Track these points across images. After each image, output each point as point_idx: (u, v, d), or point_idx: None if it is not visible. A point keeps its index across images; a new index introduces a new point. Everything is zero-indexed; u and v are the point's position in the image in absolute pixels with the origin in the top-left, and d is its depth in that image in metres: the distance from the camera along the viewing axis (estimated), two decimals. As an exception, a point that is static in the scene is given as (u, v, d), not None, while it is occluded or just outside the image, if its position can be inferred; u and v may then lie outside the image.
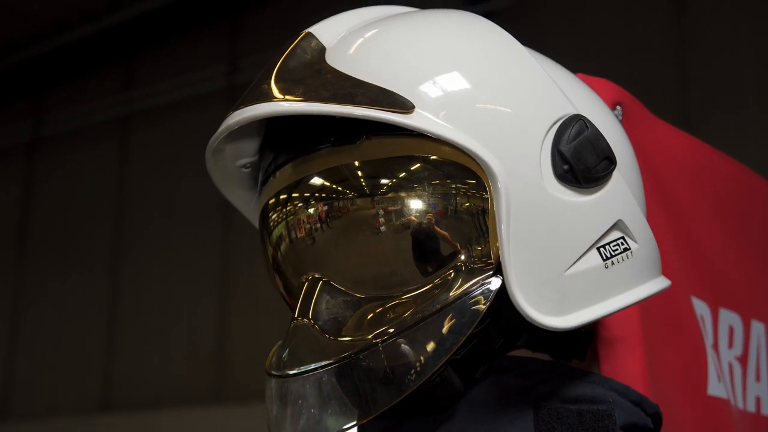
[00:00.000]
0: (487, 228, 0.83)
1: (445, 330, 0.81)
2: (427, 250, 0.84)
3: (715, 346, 1.29)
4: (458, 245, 0.83)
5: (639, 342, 1.09)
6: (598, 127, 0.87)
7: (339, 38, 0.90)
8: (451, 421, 0.85)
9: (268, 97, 0.83)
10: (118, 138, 6.66)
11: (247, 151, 0.93)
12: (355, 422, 0.82)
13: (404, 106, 0.81)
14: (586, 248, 0.85)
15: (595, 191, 0.86)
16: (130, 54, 6.76)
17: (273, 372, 0.86)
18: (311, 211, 0.86)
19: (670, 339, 1.19)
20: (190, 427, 5.67)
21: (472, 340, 0.84)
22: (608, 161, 0.86)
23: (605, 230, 0.86)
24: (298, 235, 0.88)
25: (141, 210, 6.37)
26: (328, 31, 0.91)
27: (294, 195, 0.88)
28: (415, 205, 0.84)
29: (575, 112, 0.86)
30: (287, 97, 0.83)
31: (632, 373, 1.07)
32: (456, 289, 0.82)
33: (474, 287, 0.82)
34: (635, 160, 0.96)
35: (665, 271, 1.16)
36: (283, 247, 0.89)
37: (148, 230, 6.28)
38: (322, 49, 0.88)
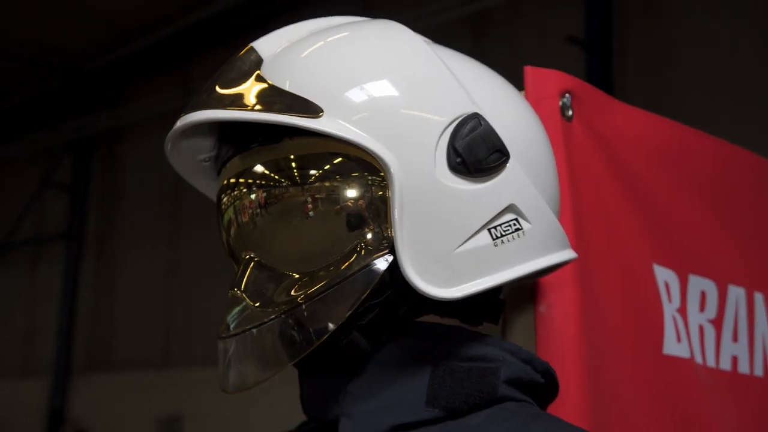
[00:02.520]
0: (387, 213, 0.97)
1: (341, 300, 0.96)
2: (337, 233, 0.98)
3: (683, 309, 1.39)
4: (365, 229, 0.98)
5: (574, 307, 1.20)
6: (498, 122, 0.99)
7: (276, 51, 1.06)
8: (360, 378, 1.00)
9: (205, 105, 1.00)
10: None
11: (205, 147, 1.10)
12: (270, 375, 0.98)
13: (313, 111, 0.96)
14: (476, 229, 0.98)
15: (487, 180, 0.98)
16: (267, 20, 7.05)
17: (219, 335, 1.04)
18: (245, 199, 1.03)
19: (624, 302, 1.30)
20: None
21: (375, 309, 0.99)
22: (499, 153, 0.98)
23: (496, 213, 0.99)
24: (241, 219, 1.04)
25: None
26: (269, 44, 1.07)
27: (236, 186, 1.04)
28: (326, 195, 0.98)
29: (473, 111, 0.99)
30: (218, 105, 0.99)
31: (566, 335, 1.19)
32: (356, 266, 0.97)
33: (371, 264, 0.97)
34: (545, 149, 1.07)
35: (620, 242, 1.28)
36: (230, 230, 1.06)
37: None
38: (258, 62, 1.04)
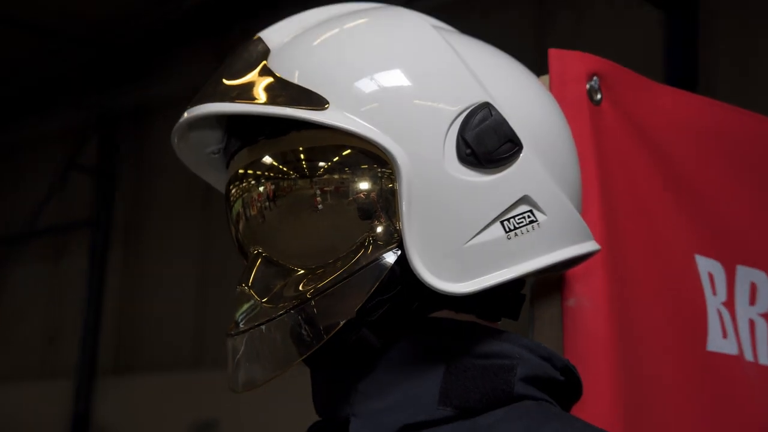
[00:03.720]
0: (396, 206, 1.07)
1: (350, 295, 1.06)
2: (346, 227, 1.08)
3: (729, 303, 1.47)
4: (375, 222, 1.08)
5: (605, 300, 1.29)
6: (511, 111, 1.09)
7: (283, 42, 1.16)
8: (371, 375, 1.10)
9: (210, 98, 1.11)
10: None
11: (213, 139, 1.21)
12: (279, 372, 1.09)
13: (319, 103, 1.07)
14: (488, 222, 1.07)
15: (499, 171, 1.08)
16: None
17: (227, 332, 1.15)
18: (254, 192, 1.13)
19: (660, 295, 1.38)
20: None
21: (385, 304, 1.08)
22: (511, 144, 1.08)
23: (508, 205, 1.08)
24: (249, 213, 1.15)
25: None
26: (276, 34, 1.17)
27: (244, 178, 1.15)
28: (334, 188, 1.08)
29: (484, 100, 1.08)
30: (224, 98, 1.10)
31: (596, 330, 1.28)
32: (365, 260, 1.07)
33: (380, 258, 1.07)
34: (563, 138, 1.16)
35: (657, 231, 1.37)
36: (239, 224, 1.17)
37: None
38: (265, 52, 1.14)
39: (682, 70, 5.25)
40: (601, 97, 1.35)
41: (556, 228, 1.11)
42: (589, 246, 1.16)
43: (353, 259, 1.07)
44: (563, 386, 1.14)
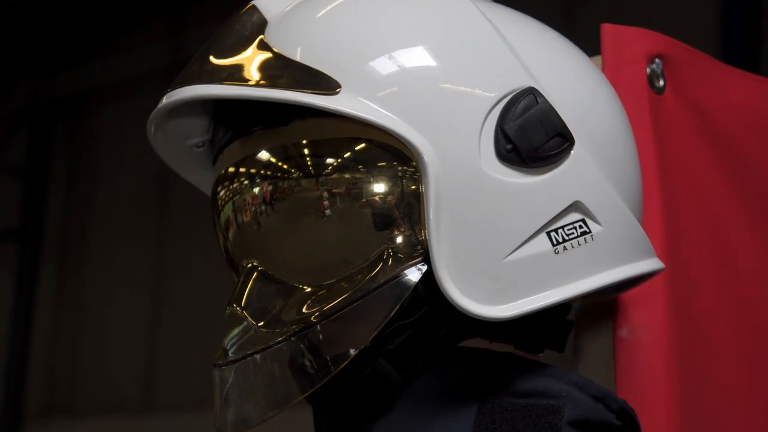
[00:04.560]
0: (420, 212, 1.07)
1: (365, 319, 1.06)
2: (359, 237, 1.08)
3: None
4: (394, 231, 1.08)
5: (665, 330, 1.28)
6: (561, 99, 1.09)
7: (284, 11, 1.16)
8: (389, 416, 1.10)
9: (196, 79, 1.11)
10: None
11: (197, 129, 1.21)
12: (277, 411, 1.09)
13: (328, 86, 1.06)
14: (532, 233, 1.07)
15: (546, 171, 1.08)
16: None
17: (214, 362, 1.15)
18: (247, 194, 1.13)
19: (735, 328, 1.38)
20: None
21: (407, 330, 1.09)
22: (561, 138, 1.08)
23: (557, 213, 1.08)
24: (242, 219, 1.15)
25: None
26: (275, 2, 1.17)
27: (236, 177, 1.14)
28: (345, 189, 1.08)
29: (528, 84, 1.08)
30: (212, 79, 1.10)
31: (654, 366, 1.28)
32: (383, 277, 1.07)
33: (401, 274, 1.07)
34: (622, 134, 1.16)
35: (731, 250, 1.37)
36: (228, 232, 1.17)
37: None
38: (262, 24, 1.14)
39: (741, 48, 5.24)
40: (664, 84, 1.35)
41: (613, 241, 1.11)
42: (651, 264, 1.16)
43: (368, 276, 1.07)
44: None
